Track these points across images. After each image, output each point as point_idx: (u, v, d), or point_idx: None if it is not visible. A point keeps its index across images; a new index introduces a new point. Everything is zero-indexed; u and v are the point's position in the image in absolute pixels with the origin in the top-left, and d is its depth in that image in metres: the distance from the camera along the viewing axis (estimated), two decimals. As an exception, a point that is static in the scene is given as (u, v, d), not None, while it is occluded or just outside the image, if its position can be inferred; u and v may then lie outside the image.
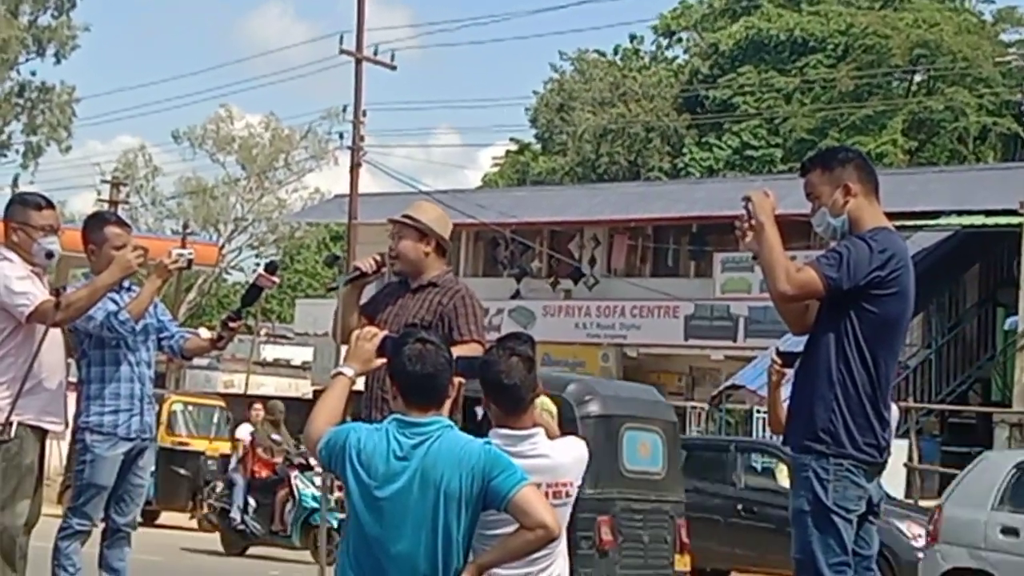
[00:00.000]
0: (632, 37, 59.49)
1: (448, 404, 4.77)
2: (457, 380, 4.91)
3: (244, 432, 21.09)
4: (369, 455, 4.61)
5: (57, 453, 19.78)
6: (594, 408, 11.68)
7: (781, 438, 6.27)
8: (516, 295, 36.42)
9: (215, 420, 26.35)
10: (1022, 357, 25.28)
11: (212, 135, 60.42)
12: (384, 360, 4.94)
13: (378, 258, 6.86)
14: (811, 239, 19.47)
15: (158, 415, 13.82)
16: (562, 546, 5.20)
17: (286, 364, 48.51)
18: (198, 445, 25.49)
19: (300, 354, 46.29)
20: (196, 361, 38.30)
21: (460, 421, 6.07)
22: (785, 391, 6.16)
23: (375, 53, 35.17)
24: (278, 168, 60.34)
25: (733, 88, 50.90)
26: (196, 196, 60.08)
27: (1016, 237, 25.79)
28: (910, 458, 22.04)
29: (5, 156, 55.91)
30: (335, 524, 15.54)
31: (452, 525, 4.53)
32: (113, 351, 7.52)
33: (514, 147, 60.61)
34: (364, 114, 34.84)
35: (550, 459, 5.18)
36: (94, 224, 7.68)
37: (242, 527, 19.27)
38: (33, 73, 55.34)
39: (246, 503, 19.30)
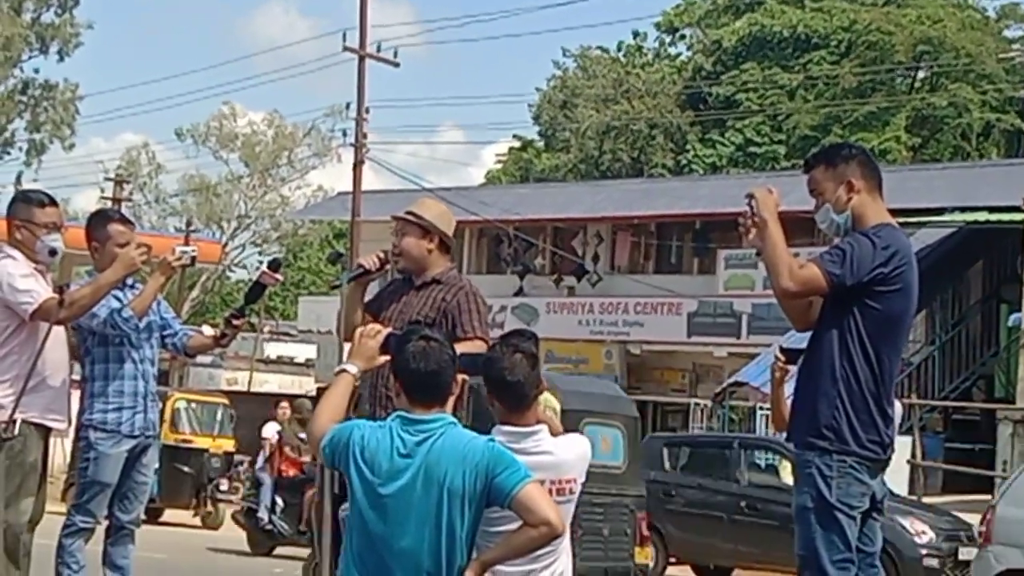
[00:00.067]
0: (635, 34, 59.57)
1: (452, 401, 4.77)
2: (460, 377, 4.91)
3: (271, 431, 20.90)
4: (373, 452, 4.61)
5: (61, 451, 19.80)
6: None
7: (784, 435, 6.27)
8: (519, 292, 36.41)
9: (218, 418, 26.36)
10: (1026, 353, 25.26)
11: (215, 132, 60.42)
12: (387, 357, 4.94)
13: (381, 255, 6.86)
14: (815, 236, 19.47)
15: (162, 412, 13.88)
16: (565, 543, 5.20)
17: (289, 361, 48.55)
18: (202, 442, 25.50)
19: (303, 351, 46.34)
20: (199, 359, 38.35)
21: (465, 418, 6.08)
22: (788, 388, 6.16)
23: (378, 50, 35.16)
24: (281, 165, 60.34)
25: (736, 85, 50.86)
26: (199, 193, 60.08)
27: (1020, 234, 25.79)
28: (913, 455, 22.04)
29: (9, 154, 56.02)
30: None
31: (456, 522, 4.53)
32: (117, 348, 7.53)
33: (517, 144, 60.61)
34: (367, 111, 34.83)
35: (554, 456, 5.18)
36: (97, 221, 7.68)
37: (269, 527, 19.18)
38: (36, 71, 55.49)
39: (273, 503, 19.21)
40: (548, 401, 9.66)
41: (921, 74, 50.66)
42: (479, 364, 5.27)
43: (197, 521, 25.10)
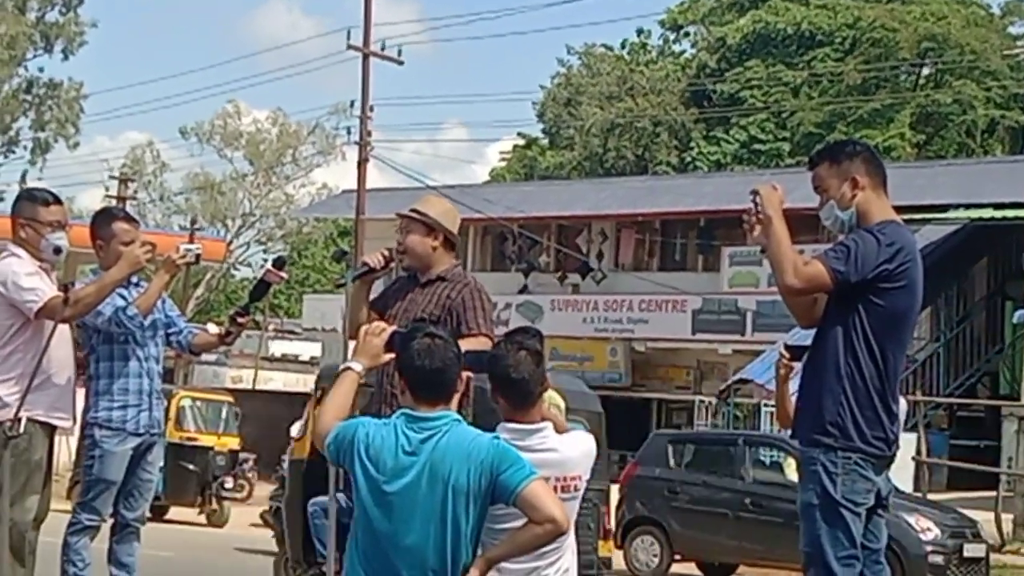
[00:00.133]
0: (639, 31, 59.54)
1: (456, 398, 4.77)
2: (465, 375, 4.91)
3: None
4: (377, 450, 4.61)
5: (66, 449, 19.82)
6: None
7: (789, 432, 6.27)
8: (524, 290, 36.42)
9: (223, 416, 26.37)
10: (1031, 350, 25.26)
11: (220, 131, 60.39)
12: (392, 355, 4.94)
13: (386, 253, 6.85)
14: (819, 233, 19.46)
15: (166, 411, 13.86)
16: (570, 540, 5.21)
17: (294, 360, 48.60)
18: (206, 441, 25.52)
19: (308, 349, 46.39)
20: (204, 357, 38.40)
21: (469, 415, 6.08)
22: (793, 385, 6.16)
23: (382, 48, 35.21)
24: (286, 163, 60.31)
25: (740, 82, 50.85)
26: (204, 192, 60.08)
27: (1024, 230, 25.78)
28: (918, 452, 22.02)
29: (13, 152, 56.06)
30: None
31: (461, 519, 4.53)
32: (121, 346, 7.53)
33: (521, 142, 60.61)
34: (371, 109, 34.90)
35: (559, 453, 5.18)
36: (102, 220, 7.68)
37: None
38: (41, 69, 55.55)
39: None
40: (552, 398, 9.66)
41: (925, 71, 50.63)
42: (484, 362, 5.27)
43: (202, 519, 25.12)
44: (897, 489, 6.10)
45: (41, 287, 7.00)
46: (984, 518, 18.38)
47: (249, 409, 28.18)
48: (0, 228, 8.03)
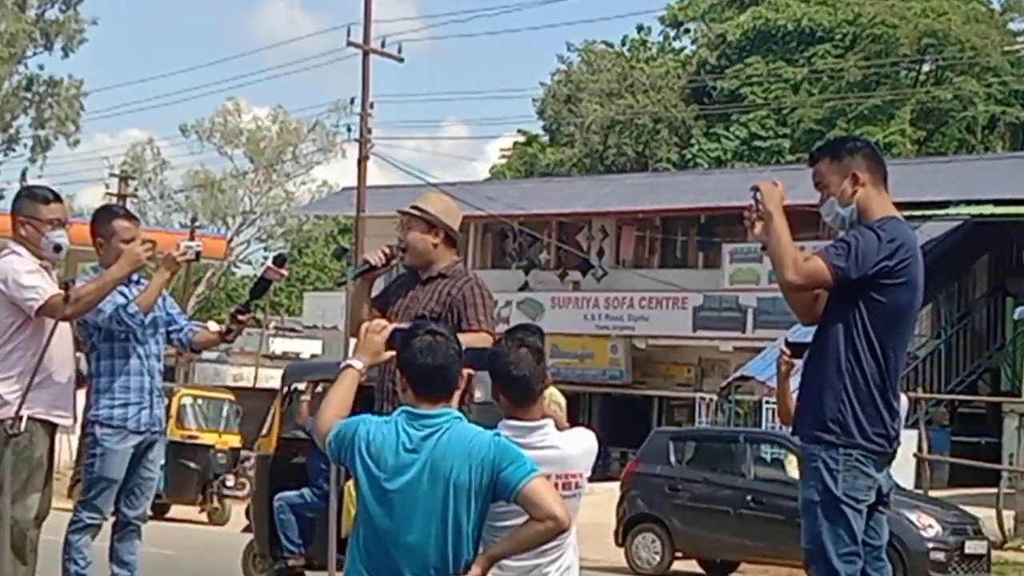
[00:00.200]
0: (639, 28, 59.53)
1: (457, 396, 4.77)
2: (466, 372, 4.90)
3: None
4: (378, 447, 4.60)
5: (67, 447, 19.81)
6: (477, 395, 11.85)
7: (790, 429, 6.27)
8: (524, 287, 36.42)
9: (224, 413, 26.38)
10: (1032, 347, 25.26)
11: (220, 128, 60.43)
12: (393, 353, 4.94)
13: (387, 250, 6.85)
14: (820, 229, 19.46)
15: (168, 408, 13.87)
16: (572, 538, 5.21)
17: (295, 357, 48.54)
18: (207, 438, 25.54)
19: (309, 347, 46.36)
20: (205, 354, 38.37)
21: (470, 412, 6.08)
22: (794, 382, 6.16)
23: (382, 45, 35.22)
24: (286, 161, 60.34)
25: (741, 79, 50.86)
26: (204, 189, 60.11)
27: (1025, 227, 25.77)
28: (920, 448, 22.02)
29: (14, 150, 56.06)
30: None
31: (462, 517, 4.52)
32: (122, 344, 7.53)
33: (522, 139, 60.62)
34: (372, 106, 34.92)
35: (560, 450, 5.18)
36: (102, 218, 7.68)
37: None
38: (41, 67, 55.53)
39: None
40: (553, 396, 9.66)
41: (926, 67, 50.61)
42: (484, 358, 5.27)
43: (204, 517, 25.12)
44: (898, 486, 6.09)
45: (42, 285, 7.00)
46: (985, 515, 18.36)
47: (250, 407, 28.15)
48: (0, 226, 8.03)
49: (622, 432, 30.50)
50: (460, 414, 4.72)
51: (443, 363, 4.68)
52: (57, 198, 7.28)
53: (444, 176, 48.22)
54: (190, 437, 25.27)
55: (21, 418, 6.92)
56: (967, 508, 17.41)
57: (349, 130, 36.77)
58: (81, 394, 7.47)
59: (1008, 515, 20.61)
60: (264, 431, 13.64)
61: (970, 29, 47.60)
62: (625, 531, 17.99)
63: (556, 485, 4.95)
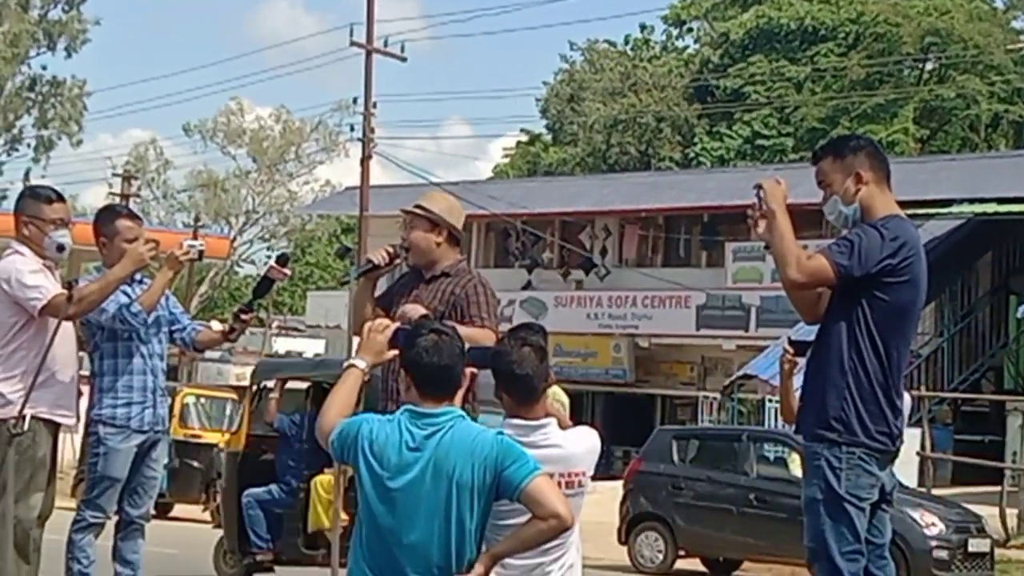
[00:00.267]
0: (642, 27, 59.56)
1: (461, 394, 4.77)
2: (469, 370, 4.91)
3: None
4: (381, 446, 4.61)
5: (70, 446, 19.81)
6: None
7: (793, 427, 6.27)
8: (528, 286, 36.41)
9: (227, 413, 26.37)
10: (1035, 345, 25.25)
11: (223, 128, 60.44)
12: (396, 352, 4.94)
13: (391, 250, 6.85)
14: (823, 228, 19.45)
15: (171, 408, 13.89)
16: (575, 536, 5.21)
17: (298, 356, 48.52)
18: (211, 438, 25.50)
19: (312, 346, 46.33)
20: (208, 354, 38.36)
21: (473, 411, 6.08)
22: (797, 380, 6.16)
23: (385, 45, 35.21)
24: (289, 160, 60.36)
25: (744, 77, 50.85)
26: (207, 189, 60.13)
27: (1028, 225, 25.74)
28: (923, 447, 22.01)
29: (17, 150, 56.06)
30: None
31: (465, 515, 4.53)
32: (125, 344, 7.54)
33: (525, 138, 60.62)
34: (375, 106, 34.90)
35: (563, 449, 5.18)
36: (105, 217, 7.69)
37: None
38: (44, 67, 55.56)
39: None
40: (556, 395, 9.66)
41: (929, 65, 50.59)
42: (488, 357, 5.27)
43: (207, 516, 25.12)
44: (901, 484, 6.07)
45: (45, 285, 7.00)
46: (989, 513, 18.36)
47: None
48: (3, 226, 8.04)
49: (625, 431, 30.52)
50: (463, 412, 4.72)
51: (449, 362, 4.69)
52: (60, 198, 7.28)
53: (447, 175, 48.33)
54: (193, 436, 25.27)
55: (24, 417, 6.92)
56: (970, 506, 17.41)
57: (352, 129, 36.79)
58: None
59: (1011, 513, 20.60)
60: (234, 428, 13.71)
61: (973, 27, 47.58)
62: (628, 530, 17.99)
63: (559, 484, 4.95)
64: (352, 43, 34.72)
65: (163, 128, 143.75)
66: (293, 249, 61.42)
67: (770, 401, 24.64)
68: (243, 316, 7.73)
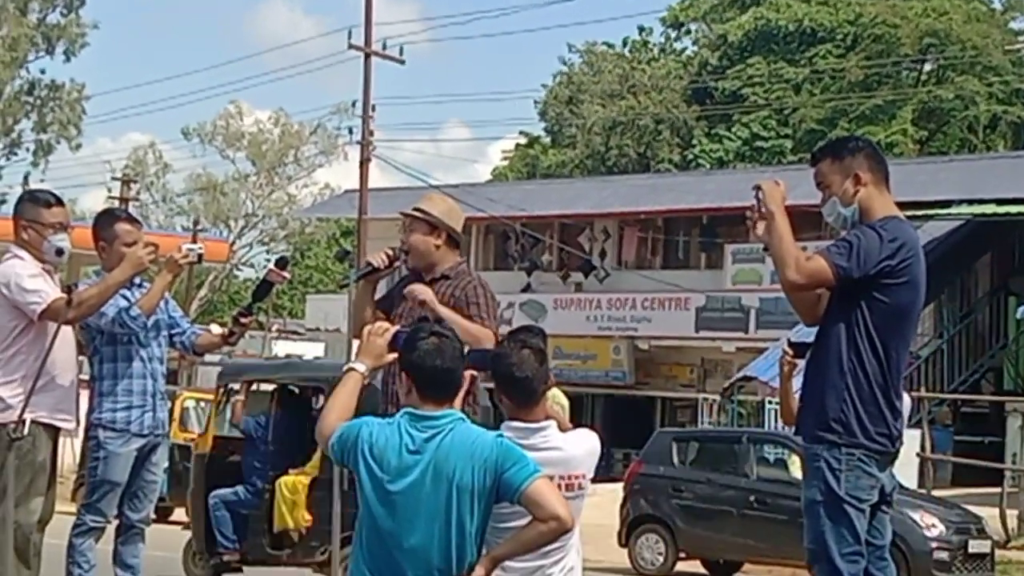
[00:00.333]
0: (641, 29, 59.55)
1: (461, 396, 4.77)
2: (469, 373, 4.91)
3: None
4: (381, 449, 4.61)
5: (70, 450, 19.81)
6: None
7: (793, 429, 6.27)
8: (527, 288, 36.42)
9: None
10: (1034, 346, 25.25)
11: (222, 131, 60.45)
12: (396, 355, 4.94)
13: (390, 252, 6.85)
14: (822, 230, 19.43)
15: (171, 411, 13.91)
16: (575, 539, 5.20)
17: (298, 360, 48.50)
18: (211, 441, 25.49)
19: (311, 350, 46.33)
20: (208, 357, 38.35)
21: (474, 413, 6.08)
22: (797, 382, 6.16)
23: (384, 48, 35.21)
24: (288, 164, 60.36)
25: (742, 79, 50.86)
26: (206, 192, 60.13)
27: (1027, 226, 25.74)
28: (923, 448, 22.01)
29: (16, 154, 56.06)
30: None
31: (465, 518, 4.53)
32: (125, 347, 7.54)
33: (523, 140, 60.61)
34: (373, 109, 34.92)
35: (563, 451, 5.18)
36: (104, 221, 7.69)
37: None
38: (43, 71, 55.53)
39: None
40: (556, 397, 9.67)
41: (927, 67, 50.62)
42: (487, 360, 5.27)
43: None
44: (901, 485, 6.06)
45: (44, 289, 7.00)
46: (989, 514, 18.35)
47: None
48: (2, 230, 8.04)
49: (625, 433, 30.52)
50: (463, 415, 4.72)
51: (450, 365, 4.69)
52: (59, 202, 7.28)
53: (446, 178, 48.41)
54: (193, 440, 25.22)
55: (24, 422, 6.92)
56: (970, 507, 17.40)
57: (351, 132, 36.81)
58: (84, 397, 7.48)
59: (1012, 514, 20.60)
60: (201, 430, 13.80)
61: (971, 28, 47.61)
62: (628, 532, 17.98)
63: (559, 486, 4.95)
64: (351, 46, 34.73)
65: (162, 132, 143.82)
66: (292, 252, 61.41)
67: (770, 403, 24.64)
68: (242, 320, 7.73)
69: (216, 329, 8.04)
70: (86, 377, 7.59)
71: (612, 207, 35.69)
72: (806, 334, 6.15)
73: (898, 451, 5.72)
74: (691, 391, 33.07)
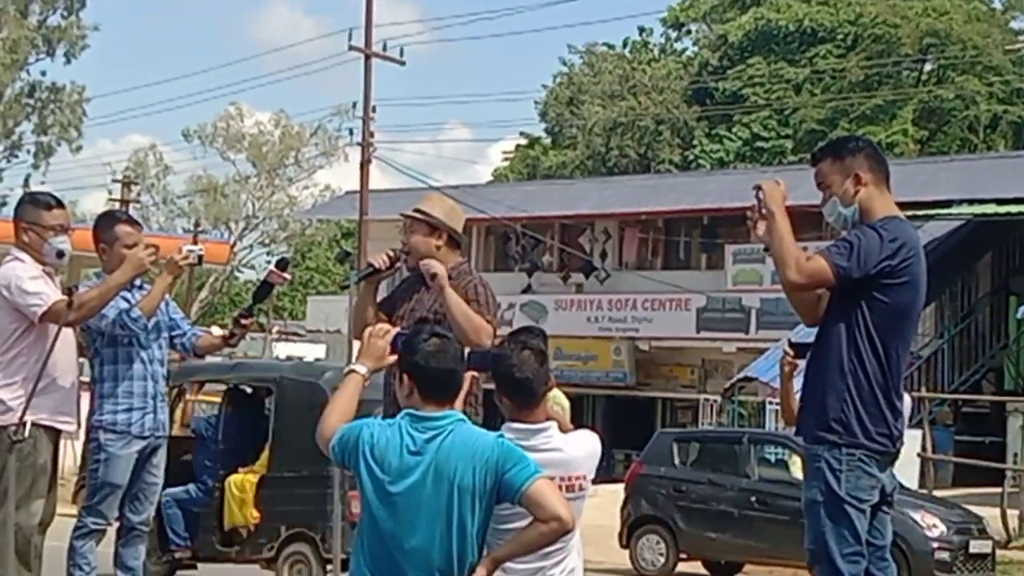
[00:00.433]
0: (641, 30, 59.56)
1: (461, 397, 4.77)
2: (470, 374, 4.91)
3: None
4: (382, 450, 4.60)
5: (71, 452, 19.79)
6: None
7: (794, 429, 6.27)
8: (527, 289, 36.42)
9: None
10: (1035, 345, 25.25)
11: (222, 133, 60.46)
12: (397, 357, 4.94)
13: (391, 254, 6.85)
14: (823, 230, 19.44)
15: (171, 413, 13.91)
16: (576, 540, 5.20)
17: (298, 361, 48.48)
18: (212, 443, 25.48)
19: (312, 351, 46.35)
20: (208, 359, 38.39)
21: (476, 414, 6.08)
22: (797, 382, 6.16)
23: (384, 49, 35.24)
24: (288, 165, 60.37)
25: (743, 79, 50.87)
26: (207, 194, 60.13)
27: (1028, 225, 25.74)
28: (923, 448, 22.00)
29: (16, 157, 56.05)
30: None
31: (466, 519, 4.53)
32: (126, 349, 7.54)
33: (524, 141, 60.62)
34: (374, 110, 34.95)
35: (563, 452, 5.18)
36: (105, 223, 7.69)
37: None
38: (43, 73, 55.50)
39: None
40: (556, 398, 9.67)
41: (928, 67, 50.62)
42: (488, 361, 5.27)
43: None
44: (902, 486, 6.07)
45: (45, 291, 7.00)
46: (990, 514, 18.35)
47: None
48: (3, 232, 8.04)
49: (626, 434, 30.51)
50: (464, 416, 4.72)
51: (452, 366, 4.70)
52: (60, 204, 7.29)
53: (447, 179, 48.45)
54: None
55: (25, 424, 6.92)
56: (971, 507, 17.40)
57: (351, 134, 36.83)
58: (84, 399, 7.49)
59: (1012, 514, 20.59)
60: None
61: (972, 28, 47.61)
62: (629, 533, 17.98)
63: (560, 487, 4.95)
64: (351, 47, 34.75)
65: (162, 133, 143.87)
66: (293, 254, 61.43)
67: (770, 403, 24.63)
68: (243, 321, 7.73)
69: (217, 331, 8.05)
70: (87, 379, 7.59)
71: (613, 208, 35.70)
72: (806, 334, 6.15)
73: (899, 451, 5.72)
74: (692, 392, 33.08)
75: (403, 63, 35.56)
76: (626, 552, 17.97)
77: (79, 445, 12.16)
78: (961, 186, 28.95)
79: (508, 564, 4.71)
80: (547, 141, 59.64)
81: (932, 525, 15.81)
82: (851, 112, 47.98)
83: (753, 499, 16.97)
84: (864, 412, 5.53)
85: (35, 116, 55.12)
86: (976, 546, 16.05)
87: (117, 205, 44.71)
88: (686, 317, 33.07)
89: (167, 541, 12.75)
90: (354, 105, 36.47)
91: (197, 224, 51.86)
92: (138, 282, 7.56)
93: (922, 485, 21.07)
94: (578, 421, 8.52)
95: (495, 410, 5.38)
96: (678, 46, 59.50)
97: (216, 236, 54.58)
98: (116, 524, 7.72)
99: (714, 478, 17.74)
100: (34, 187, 49.35)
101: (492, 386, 5.30)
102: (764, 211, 5.60)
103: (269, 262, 54.16)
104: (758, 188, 5.67)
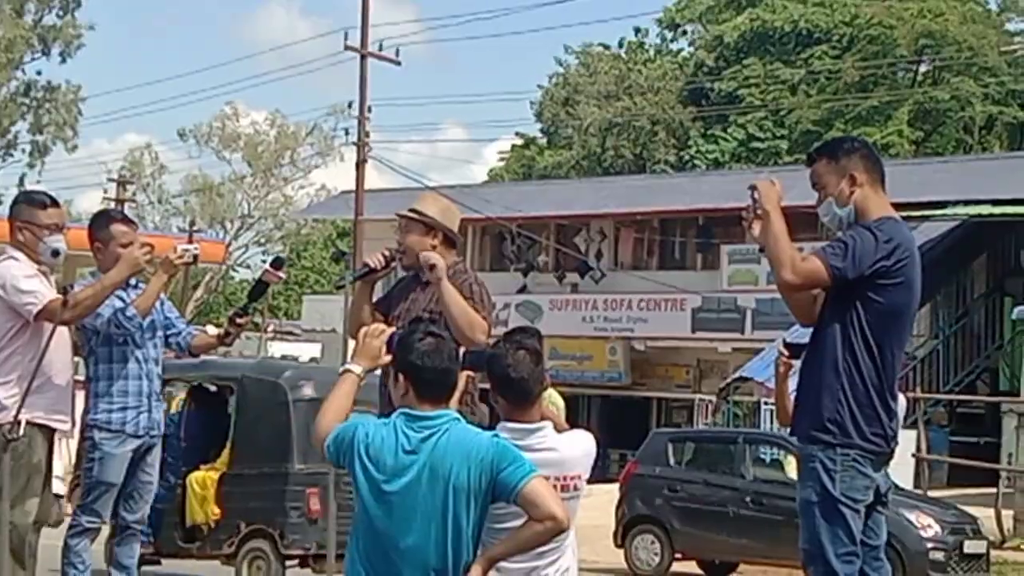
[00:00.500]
0: (637, 30, 59.60)
1: (456, 396, 4.77)
2: (465, 373, 4.91)
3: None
4: (378, 449, 4.60)
5: (66, 451, 19.76)
6: (307, 391, 12.23)
7: (789, 430, 6.27)
8: (523, 289, 36.42)
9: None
10: (1030, 346, 25.26)
11: (218, 132, 60.43)
12: (392, 356, 4.94)
13: (387, 253, 6.85)
14: (818, 230, 19.39)
15: (166, 412, 13.91)
16: (570, 540, 5.21)
17: (294, 360, 48.49)
18: (206, 442, 25.46)
19: (307, 350, 46.36)
20: (203, 358, 38.37)
21: (472, 414, 6.08)
22: (792, 383, 6.17)
23: (380, 49, 35.26)
24: (284, 165, 60.34)
25: (738, 80, 50.88)
26: (202, 194, 60.11)
27: (1023, 227, 25.73)
28: (918, 448, 22.01)
29: (12, 156, 56.06)
30: None
31: (461, 518, 4.53)
32: (121, 348, 7.54)
33: (520, 141, 60.64)
34: (370, 110, 34.95)
35: (558, 452, 5.18)
36: (100, 222, 7.69)
37: None
38: (39, 72, 55.51)
39: None
40: (552, 398, 9.69)
41: (923, 68, 50.66)
42: (483, 361, 5.28)
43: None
44: (897, 486, 6.08)
45: (40, 290, 7.00)
46: (984, 514, 18.35)
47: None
48: (-2, 231, 8.03)
49: (621, 434, 30.51)
50: (459, 415, 4.72)
51: (448, 365, 4.70)
52: (55, 203, 7.28)
53: (442, 179, 48.46)
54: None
55: (20, 423, 6.92)
56: (966, 508, 17.40)
57: (347, 133, 36.88)
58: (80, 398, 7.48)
59: (1007, 515, 20.60)
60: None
61: (967, 29, 47.64)
62: (624, 532, 17.97)
63: (555, 487, 4.95)
64: (347, 47, 34.76)
65: (158, 133, 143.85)
66: (288, 253, 61.41)
67: (766, 403, 24.63)
68: (238, 320, 7.73)
69: (212, 330, 8.05)
70: (82, 378, 7.59)
71: (608, 208, 35.70)
72: (801, 335, 6.16)
73: (893, 451, 5.72)
74: (687, 392, 33.09)
75: (399, 63, 35.62)
76: (621, 552, 17.96)
77: (74, 444, 12.16)
78: (956, 187, 28.96)
79: (503, 563, 4.71)
80: (543, 141, 59.66)
81: (927, 525, 15.81)
82: (847, 113, 48.01)
83: (748, 499, 16.97)
84: (859, 412, 5.53)
85: (31, 115, 55.12)
86: (970, 546, 16.05)
87: (112, 204, 44.66)
88: (681, 317, 33.08)
89: None
90: (350, 105, 36.50)
91: (192, 223, 51.86)
92: (133, 281, 7.55)
93: (917, 485, 21.08)
94: (573, 421, 8.53)
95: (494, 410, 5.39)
96: (674, 47, 59.60)
97: (211, 235, 54.56)
98: (111, 523, 7.72)
99: (709, 478, 17.73)
100: (29, 186, 49.30)
101: (487, 385, 5.30)
102: (759, 211, 5.61)
103: (264, 261, 54.13)
104: (753, 188, 5.67)
